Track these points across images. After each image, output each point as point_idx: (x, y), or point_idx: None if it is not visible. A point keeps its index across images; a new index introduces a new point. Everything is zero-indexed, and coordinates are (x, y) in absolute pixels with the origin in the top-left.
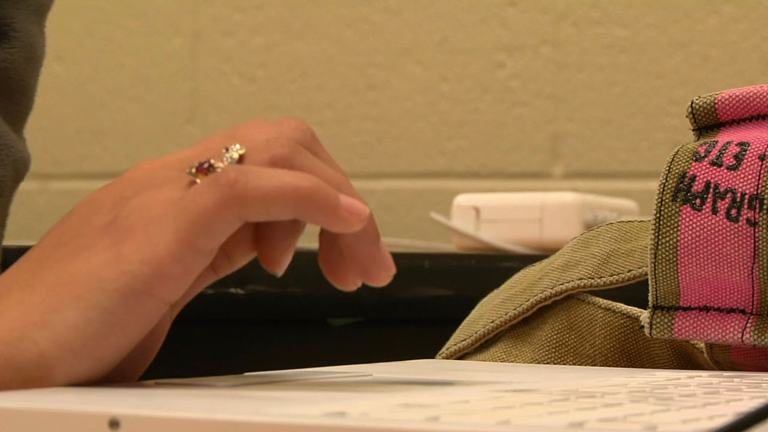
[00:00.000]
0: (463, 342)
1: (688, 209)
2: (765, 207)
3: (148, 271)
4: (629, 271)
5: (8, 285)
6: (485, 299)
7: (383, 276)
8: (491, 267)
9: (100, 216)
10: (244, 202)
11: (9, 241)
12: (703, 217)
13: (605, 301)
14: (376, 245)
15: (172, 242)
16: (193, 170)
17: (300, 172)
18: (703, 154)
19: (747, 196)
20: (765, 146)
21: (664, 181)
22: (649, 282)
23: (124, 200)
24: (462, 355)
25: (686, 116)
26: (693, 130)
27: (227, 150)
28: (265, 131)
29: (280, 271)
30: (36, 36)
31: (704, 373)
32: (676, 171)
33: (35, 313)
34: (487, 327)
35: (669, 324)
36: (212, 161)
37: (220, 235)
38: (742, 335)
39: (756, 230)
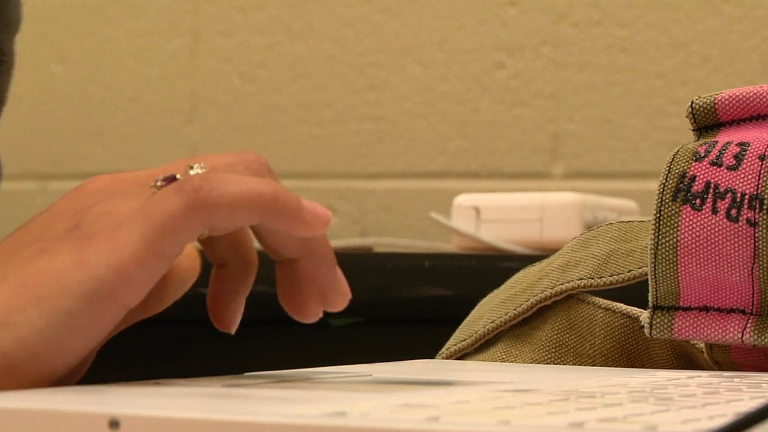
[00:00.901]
0: (463, 342)
1: (688, 209)
2: (765, 207)
3: (113, 276)
4: (629, 271)
5: None
6: (485, 299)
7: (340, 300)
8: (491, 267)
9: (61, 221)
10: (209, 208)
11: None
12: (703, 217)
13: (605, 301)
14: (333, 270)
15: (137, 248)
16: (159, 183)
17: (262, 179)
18: (703, 154)
19: (747, 196)
20: (765, 146)
21: (664, 181)
22: (649, 282)
23: (86, 208)
24: (462, 355)
25: (686, 116)
26: (693, 130)
27: (191, 168)
28: (225, 158)
29: (233, 329)
30: (11, 48)
31: (704, 373)
32: (676, 171)
33: None
34: (487, 327)
35: (669, 324)
36: (177, 175)
37: (184, 241)
38: (742, 335)
39: (756, 230)
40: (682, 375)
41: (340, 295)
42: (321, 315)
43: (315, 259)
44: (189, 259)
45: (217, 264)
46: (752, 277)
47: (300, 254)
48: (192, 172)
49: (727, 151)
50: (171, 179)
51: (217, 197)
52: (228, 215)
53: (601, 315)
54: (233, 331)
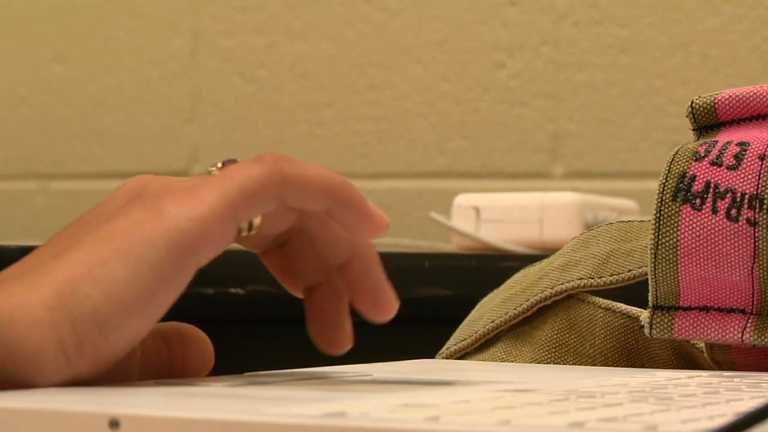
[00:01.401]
0: (463, 342)
1: (688, 209)
2: (765, 207)
3: (193, 227)
4: (629, 271)
5: (31, 261)
6: (485, 299)
7: (392, 307)
8: (491, 267)
9: (118, 202)
10: (288, 181)
11: (9, 241)
12: (703, 217)
13: (605, 301)
14: (383, 275)
15: (216, 203)
16: (219, 165)
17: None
18: (703, 154)
19: (747, 196)
20: (765, 146)
21: (664, 181)
22: (649, 282)
23: (141, 187)
24: (462, 355)
25: (686, 116)
26: (693, 130)
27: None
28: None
29: (347, 346)
30: None
31: (704, 373)
32: (676, 171)
33: (80, 266)
34: (487, 327)
35: (669, 324)
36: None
37: (259, 207)
38: (742, 335)
39: (756, 230)
40: (682, 375)
41: (390, 301)
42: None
43: (366, 258)
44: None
45: (307, 290)
46: (752, 277)
47: (352, 254)
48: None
49: (727, 150)
50: (232, 162)
51: (296, 172)
52: (303, 191)
53: (601, 315)
54: (348, 347)
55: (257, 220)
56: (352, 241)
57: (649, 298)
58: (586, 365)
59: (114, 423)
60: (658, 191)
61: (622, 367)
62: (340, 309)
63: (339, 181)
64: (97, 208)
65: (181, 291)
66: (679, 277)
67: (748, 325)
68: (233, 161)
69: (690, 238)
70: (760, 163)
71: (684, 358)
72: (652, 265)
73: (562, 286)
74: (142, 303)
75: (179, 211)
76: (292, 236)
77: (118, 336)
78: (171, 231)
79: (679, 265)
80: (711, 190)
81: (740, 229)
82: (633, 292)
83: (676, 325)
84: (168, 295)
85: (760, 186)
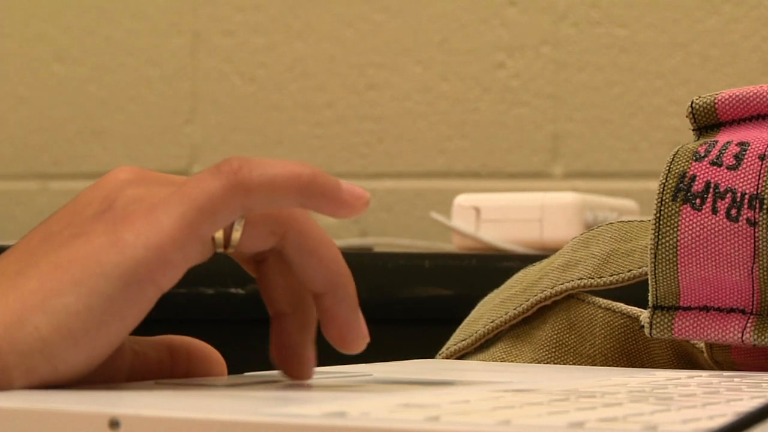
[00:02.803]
0: (463, 342)
1: (688, 209)
2: (765, 207)
3: (151, 257)
4: (629, 271)
5: None
6: (485, 299)
7: (360, 343)
8: (491, 267)
9: (90, 207)
10: (249, 189)
11: (9, 241)
12: (703, 217)
13: (605, 300)
14: (357, 311)
15: (175, 228)
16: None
17: (298, 161)
18: (703, 154)
19: (747, 196)
20: (765, 146)
21: (664, 181)
22: (649, 282)
23: (114, 193)
24: (462, 355)
25: (686, 116)
26: (693, 130)
27: None
28: None
29: (310, 376)
30: None
31: (704, 373)
32: (676, 171)
33: (33, 297)
34: (487, 327)
35: (669, 324)
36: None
37: (222, 222)
38: (742, 335)
39: (756, 230)
40: (682, 375)
41: (360, 337)
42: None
43: (340, 294)
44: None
45: (275, 314)
46: (752, 277)
47: (326, 288)
48: None
49: (727, 150)
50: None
51: (257, 177)
52: (267, 196)
53: (601, 315)
54: (311, 377)
55: (236, 235)
56: (330, 276)
57: (649, 298)
58: (586, 365)
59: (114, 423)
60: (658, 191)
61: (622, 367)
62: (305, 341)
63: (305, 175)
64: (71, 210)
65: (141, 318)
66: (679, 277)
67: (748, 325)
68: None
69: (690, 238)
70: (760, 163)
71: (684, 358)
72: (652, 265)
73: (562, 286)
74: (93, 335)
75: (136, 240)
76: (269, 257)
77: (68, 366)
78: (127, 261)
79: (679, 265)
80: (711, 190)
81: (740, 229)
82: (633, 292)
83: (676, 325)
84: (122, 325)
85: (760, 186)
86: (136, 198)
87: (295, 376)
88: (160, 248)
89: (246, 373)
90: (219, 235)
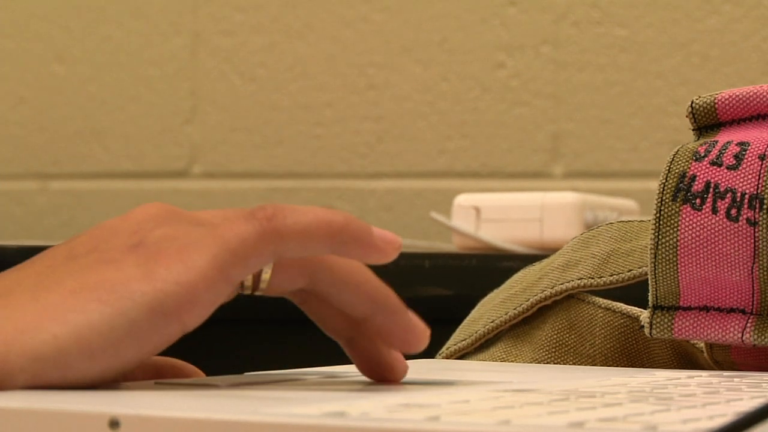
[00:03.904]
0: (463, 342)
1: (688, 209)
2: (765, 207)
3: (181, 293)
4: (629, 270)
5: (10, 285)
6: (485, 299)
7: (423, 339)
8: (491, 267)
9: (119, 238)
10: (282, 236)
11: (9, 241)
12: (703, 216)
13: (605, 300)
14: (407, 314)
15: (207, 268)
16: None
17: (329, 209)
18: (703, 154)
19: (747, 196)
20: (765, 146)
21: (664, 180)
22: (649, 282)
23: (145, 230)
24: (462, 355)
25: (686, 116)
26: (693, 129)
27: None
28: None
29: (401, 375)
30: None
31: (704, 373)
32: (676, 171)
33: (54, 310)
34: (487, 327)
35: (669, 324)
36: None
37: (253, 267)
38: (742, 335)
39: (756, 230)
40: (682, 375)
41: (420, 335)
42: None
43: (386, 309)
44: None
45: (341, 340)
46: (752, 277)
47: (369, 310)
48: None
49: (727, 150)
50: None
51: (291, 224)
52: (300, 243)
53: (601, 315)
54: (406, 373)
55: (265, 277)
56: (371, 298)
57: (649, 298)
58: (586, 365)
59: (114, 423)
60: (658, 191)
61: (622, 367)
62: (382, 349)
63: (337, 222)
64: (97, 236)
65: (158, 351)
66: (679, 277)
67: (748, 325)
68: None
69: (690, 238)
70: (760, 163)
71: (684, 358)
72: (652, 265)
73: (562, 286)
74: (111, 354)
75: (168, 276)
76: (308, 295)
77: (78, 377)
78: (157, 293)
79: (679, 265)
80: (711, 190)
81: (740, 229)
82: (633, 292)
83: (676, 325)
84: (140, 352)
85: (760, 186)
86: (168, 236)
87: (393, 381)
88: (191, 286)
89: (246, 373)
90: (248, 278)
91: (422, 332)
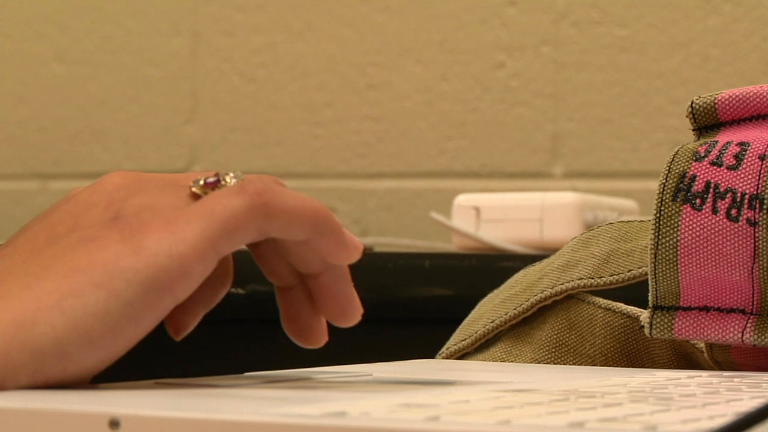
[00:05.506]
0: (463, 342)
1: (688, 209)
2: (765, 207)
3: (173, 265)
4: (629, 271)
5: (1, 275)
6: (485, 299)
7: (356, 314)
8: (491, 267)
9: (95, 212)
10: (271, 213)
11: None
12: (703, 217)
13: (605, 300)
14: (351, 285)
15: (197, 240)
16: (201, 182)
17: (310, 197)
18: (703, 154)
19: (747, 196)
20: (765, 146)
21: (664, 181)
22: (649, 282)
23: (118, 200)
24: (462, 355)
25: (686, 116)
26: (693, 130)
27: (226, 174)
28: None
29: (323, 341)
30: None
31: (704, 373)
32: (676, 171)
33: (49, 298)
34: (487, 327)
35: (669, 324)
36: (220, 178)
37: (240, 242)
38: (742, 335)
39: (756, 230)
40: (682, 375)
41: (356, 309)
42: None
43: (336, 273)
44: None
45: (279, 288)
46: (752, 277)
47: (321, 268)
48: (229, 179)
49: (727, 150)
50: (214, 183)
51: (280, 204)
52: (286, 224)
53: (601, 315)
54: (323, 342)
55: None
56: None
57: (649, 298)
58: (586, 365)
59: (114, 423)
60: (658, 191)
61: (622, 367)
62: (314, 309)
63: (321, 212)
64: (68, 215)
65: (154, 326)
66: (679, 277)
67: (748, 325)
68: (215, 182)
69: (690, 238)
70: (760, 163)
71: (684, 358)
72: (652, 265)
73: (562, 286)
74: (109, 338)
75: (159, 248)
76: (264, 242)
77: (79, 367)
78: (149, 269)
79: (679, 265)
80: (711, 190)
81: (740, 229)
82: (633, 292)
83: (676, 325)
84: (138, 330)
85: (760, 186)
86: (144, 206)
87: (309, 344)
88: (183, 258)
89: (246, 373)
90: None
91: (358, 306)
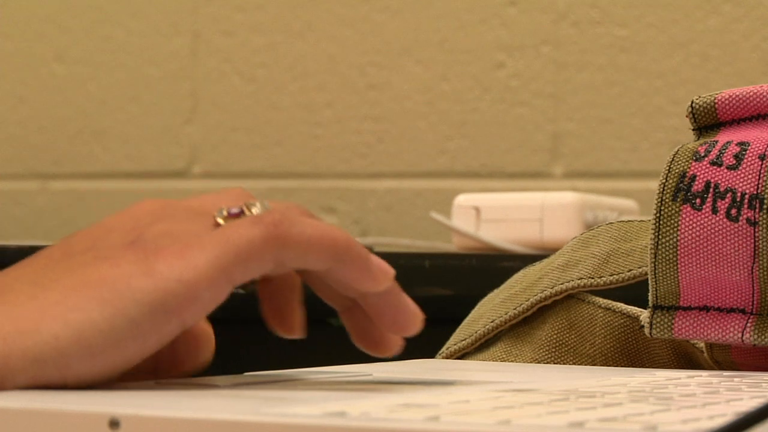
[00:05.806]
0: (463, 342)
1: (688, 209)
2: (765, 207)
3: (182, 291)
4: (629, 270)
5: (8, 282)
6: (485, 299)
7: (417, 323)
8: (491, 267)
9: (116, 235)
10: (286, 244)
11: (9, 241)
12: (703, 216)
13: (605, 300)
14: (401, 296)
15: (209, 267)
16: (225, 213)
17: (333, 226)
18: (703, 154)
19: (747, 196)
20: (765, 146)
21: (664, 180)
22: (649, 282)
23: (142, 226)
24: (462, 355)
25: (686, 116)
26: (693, 129)
27: (252, 205)
28: (278, 203)
29: (302, 332)
30: None
31: (704, 373)
32: (676, 171)
33: (55, 309)
34: (487, 327)
35: (669, 324)
36: (244, 208)
37: (254, 271)
38: (742, 335)
39: (756, 230)
40: (682, 375)
41: (412, 319)
42: (402, 341)
43: (348, 258)
44: (205, 334)
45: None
46: (752, 277)
47: (360, 293)
48: (254, 210)
49: (727, 150)
50: (237, 214)
51: (296, 235)
52: (302, 254)
53: (602, 314)
54: (304, 334)
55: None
56: (329, 249)
57: (649, 298)
58: (586, 365)
59: (114, 423)
60: (658, 191)
61: (622, 367)
62: (294, 300)
63: (341, 240)
64: (93, 235)
65: (157, 348)
66: (679, 277)
67: (748, 325)
68: (239, 212)
69: (690, 237)
70: (760, 162)
71: (684, 358)
72: (652, 264)
73: (562, 285)
74: (111, 353)
75: (170, 273)
76: (305, 271)
77: (78, 379)
78: (158, 291)
79: (679, 265)
80: (711, 189)
81: (740, 228)
82: (633, 291)
83: (676, 325)
84: (141, 350)
85: (760, 186)
86: (166, 232)
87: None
88: (193, 285)
89: (246, 373)
90: None
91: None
